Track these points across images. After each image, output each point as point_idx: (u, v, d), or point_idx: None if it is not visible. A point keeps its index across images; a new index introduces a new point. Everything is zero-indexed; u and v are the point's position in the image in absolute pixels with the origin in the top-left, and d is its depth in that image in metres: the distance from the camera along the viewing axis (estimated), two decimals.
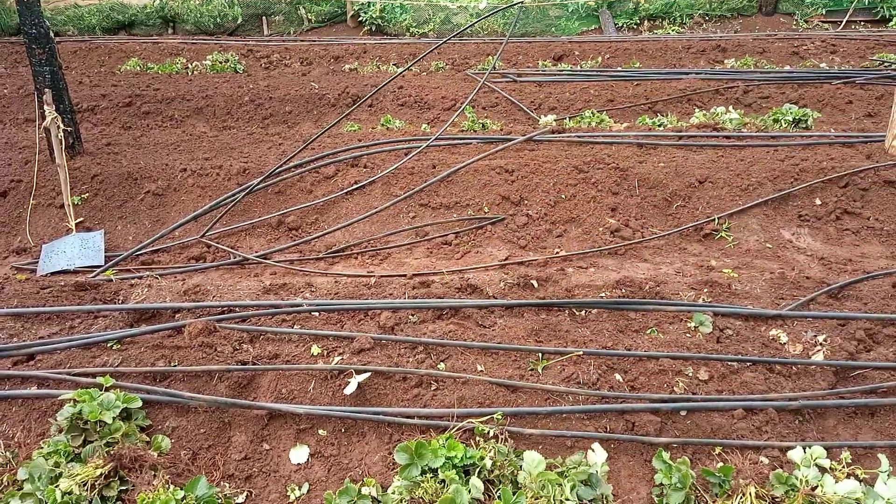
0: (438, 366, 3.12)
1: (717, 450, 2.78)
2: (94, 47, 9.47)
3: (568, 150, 5.49)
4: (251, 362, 3.15)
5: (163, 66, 8.58)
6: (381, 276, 4.18)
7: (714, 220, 4.74)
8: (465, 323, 3.39)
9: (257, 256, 4.66)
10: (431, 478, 2.51)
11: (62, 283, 3.85)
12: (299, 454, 2.89)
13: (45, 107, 4.68)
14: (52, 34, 5.07)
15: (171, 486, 2.57)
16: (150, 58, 9.08)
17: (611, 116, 6.71)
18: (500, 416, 2.80)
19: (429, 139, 5.48)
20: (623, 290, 3.69)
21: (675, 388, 2.99)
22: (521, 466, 2.66)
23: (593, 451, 2.70)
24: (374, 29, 10.67)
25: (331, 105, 7.30)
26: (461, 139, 5.66)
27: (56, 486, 2.49)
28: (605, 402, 2.95)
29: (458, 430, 2.77)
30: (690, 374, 3.05)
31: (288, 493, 2.79)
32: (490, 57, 8.80)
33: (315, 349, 3.21)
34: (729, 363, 3.09)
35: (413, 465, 2.53)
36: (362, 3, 10.62)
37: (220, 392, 3.04)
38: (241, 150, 5.79)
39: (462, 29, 6.06)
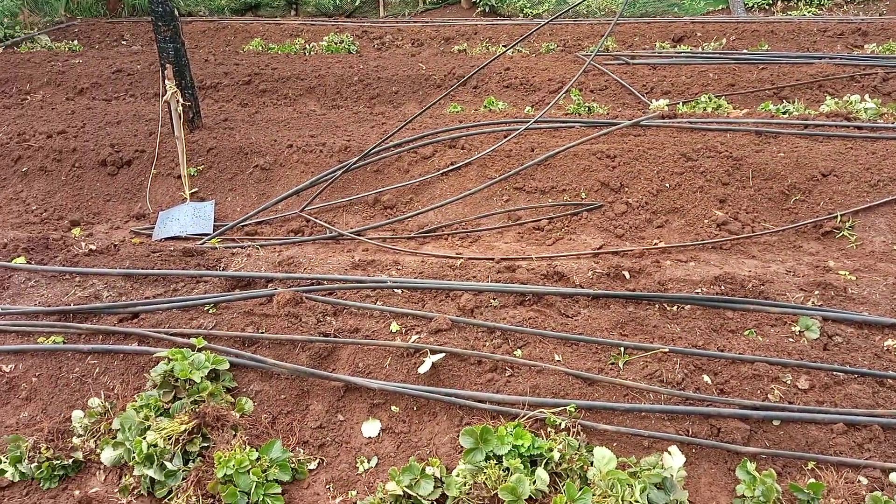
0: (515, 352, 3.05)
1: (811, 465, 2.54)
2: (223, 27, 10.01)
3: (677, 136, 5.19)
4: (333, 335, 3.22)
5: (283, 47, 8.94)
6: (469, 259, 4.15)
7: (836, 217, 4.33)
8: (546, 311, 3.29)
9: (352, 233, 4.76)
10: (496, 464, 2.46)
11: (171, 249, 4.10)
12: (371, 428, 2.93)
13: (167, 81, 4.99)
14: (176, 12, 5.39)
15: (248, 447, 2.68)
16: (271, 38, 9.48)
17: (730, 102, 6.29)
18: (573, 409, 2.70)
19: (529, 122, 5.36)
20: (722, 287, 3.44)
21: (769, 396, 2.75)
22: (591, 462, 2.55)
23: (670, 453, 2.54)
24: (487, 10, 10.58)
25: (436, 86, 7.32)
26: (563, 122, 5.50)
27: (143, 438, 2.66)
28: (689, 403, 2.77)
29: (528, 418, 2.70)
30: (788, 382, 2.80)
31: (357, 465, 2.83)
32: (606, 39, 8.47)
33: (394, 326, 3.23)
34: (834, 373, 2.81)
35: (478, 449, 2.49)
36: None
37: (302, 361, 3.13)
38: (346, 129, 5.93)
39: (569, 7, 5.84)
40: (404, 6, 11.14)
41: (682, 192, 4.65)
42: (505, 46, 8.65)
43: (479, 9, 10.61)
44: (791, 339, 3.04)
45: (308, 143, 5.54)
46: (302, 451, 2.89)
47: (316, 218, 4.97)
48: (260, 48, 9.03)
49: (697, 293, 3.41)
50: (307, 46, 8.98)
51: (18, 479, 2.77)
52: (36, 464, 2.74)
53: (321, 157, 5.42)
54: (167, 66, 5.08)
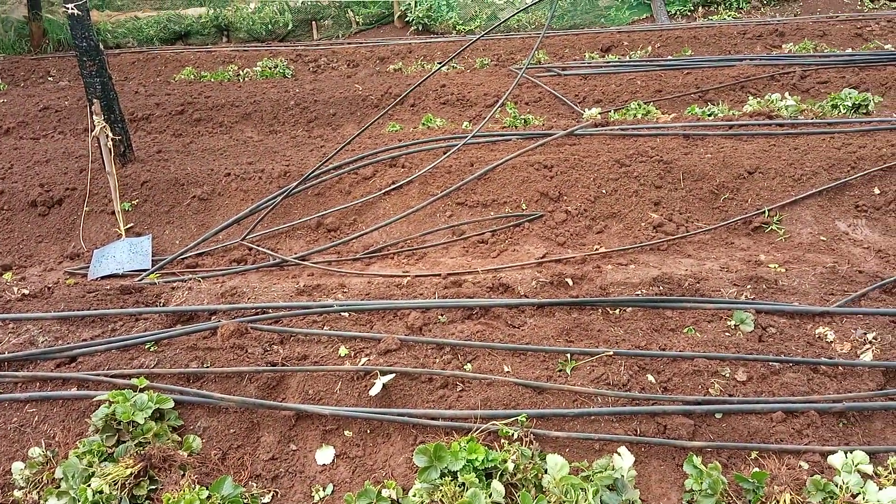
0: (465, 366, 3.07)
1: (754, 454, 2.64)
2: (152, 58, 9.82)
3: (610, 143, 5.34)
4: (280, 363, 3.19)
5: (215, 74, 8.83)
6: (416, 276, 4.17)
7: (764, 212, 4.53)
8: (494, 323, 3.34)
9: (296, 258, 4.72)
10: (451, 481, 2.47)
11: (108, 287, 3.99)
12: (325, 455, 2.90)
13: (94, 116, 4.87)
14: (101, 46, 5.27)
15: (198, 486, 2.61)
16: (203, 66, 9.35)
17: (658, 107, 6.51)
18: (524, 419, 2.73)
19: (464, 137, 5.43)
20: (661, 288, 3.56)
21: (710, 390, 2.85)
22: (545, 470, 2.59)
23: (620, 454, 2.60)
24: (420, 28, 10.68)
25: (374, 106, 7.34)
26: (500, 136, 5.59)
27: (88, 486, 2.57)
28: (636, 403, 2.84)
29: (481, 432, 2.72)
30: (727, 375, 2.90)
31: (313, 494, 2.80)
32: (537, 52, 8.67)
33: (343, 350, 3.22)
34: (770, 364, 2.93)
35: (432, 467, 2.50)
36: (409, 4, 10.64)
37: (250, 393, 3.08)
38: (284, 154, 5.89)
39: (499, 22, 5.98)
40: (337, 28, 11.15)
41: (618, 197, 4.79)
42: (439, 63, 8.76)
43: (413, 27, 10.71)
44: (727, 334, 3.16)
45: (246, 171, 5.47)
46: (255, 484, 2.84)
47: (258, 245, 4.90)
48: (192, 77, 8.90)
49: (638, 295, 3.51)
50: (241, 73, 8.90)
51: None
52: None
53: (260, 184, 5.37)
54: (94, 100, 4.96)
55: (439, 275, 4.21)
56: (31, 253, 5.03)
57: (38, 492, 2.77)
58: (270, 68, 8.89)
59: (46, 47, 11.38)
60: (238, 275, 4.60)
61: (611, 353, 3.01)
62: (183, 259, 4.80)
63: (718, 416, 2.76)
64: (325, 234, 5.05)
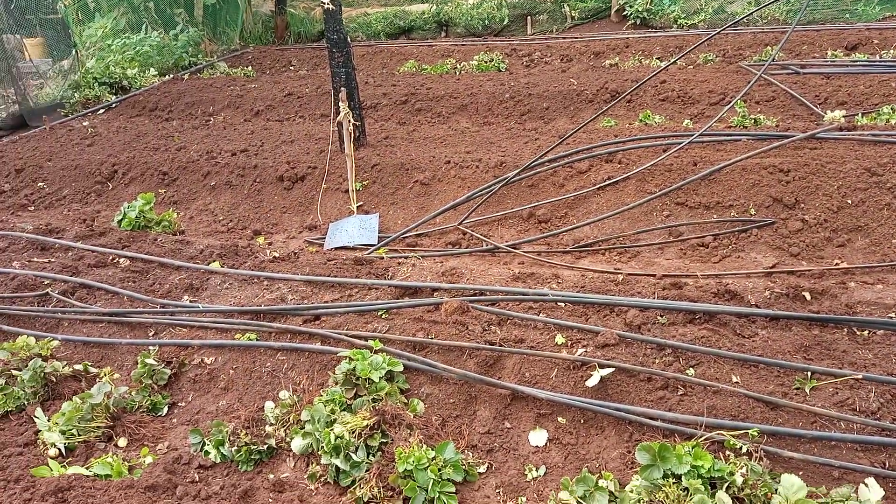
0: (687, 371, 2.97)
1: None
2: (379, 51, 10.59)
3: (859, 150, 4.82)
4: (498, 343, 3.31)
5: (435, 67, 9.30)
6: (629, 274, 4.10)
7: None
8: (720, 330, 3.18)
9: (507, 246, 4.85)
10: (674, 483, 2.41)
11: (343, 258, 4.40)
12: (538, 437, 2.97)
13: (340, 104, 5.38)
14: (348, 39, 5.79)
15: (425, 446, 2.81)
16: (424, 59, 9.90)
17: None
18: (755, 433, 2.58)
19: (691, 135, 5.20)
20: None
21: None
22: (776, 490, 2.43)
23: (867, 486, 2.36)
24: (638, 23, 10.39)
25: (588, 101, 7.29)
26: (728, 136, 5.28)
27: (331, 430, 2.87)
28: (887, 435, 2.56)
29: (705, 439, 2.62)
30: None
31: (525, 472, 2.88)
32: (768, 47, 8.04)
33: (559, 338, 3.26)
34: None
35: (655, 466, 2.46)
36: None
37: (469, 367, 3.24)
38: (500, 145, 6.06)
39: (738, 18, 5.62)
40: (552, 23, 11.20)
41: (865, 209, 4.31)
42: (659, 59, 8.45)
43: (630, 21, 10.44)
44: None
45: (464, 159, 5.72)
46: (471, 454, 2.98)
47: (472, 231, 5.11)
48: (414, 69, 9.45)
49: (891, 317, 3.14)
50: (458, 66, 9.27)
51: (220, 461, 3.08)
52: (235, 447, 3.03)
53: (477, 173, 5.58)
54: (342, 89, 5.47)
55: (654, 275, 4.11)
56: (277, 221, 5.69)
57: (286, 430, 3.14)
58: (486, 62, 9.17)
59: (288, 39, 12.75)
60: (453, 257, 4.84)
61: (859, 376, 2.74)
62: (404, 238, 5.15)
63: None
64: (536, 224, 5.13)
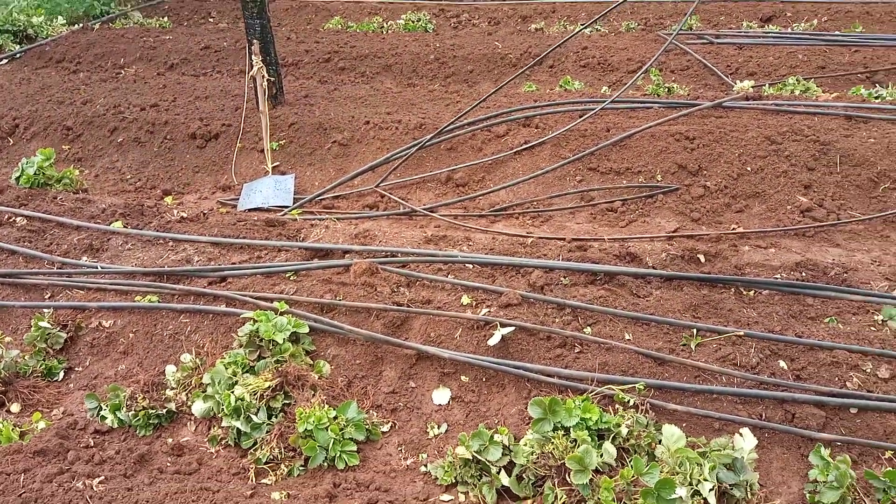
0: (584, 329, 3.08)
1: (889, 454, 2.48)
2: (304, 5, 10.23)
3: (762, 119, 5.03)
4: (406, 304, 3.33)
5: (361, 25, 9.09)
6: (540, 238, 4.17)
7: None
8: (618, 291, 3.30)
9: (424, 209, 4.85)
10: (563, 435, 2.52)
11: (255, 219, 4.31)
12: (441, 396, 3.03)
13: (253, 56, 5.20)
14: None
15: (326, 406, 2.82)
16: (350, 17, 9.64)
17: (819, 86, 6.03)
18: (642, 387, 2.71)
19: (605, 101, 5.30)
20: (803, 274, 3.37)
21: (847, 384, 2.69)
22: (659, 441, 2.57)
23: (741, 435, 2.53)
24: None
25: (512, 65, 7.29)
26: (641, 103, 5.41)
27: (231, 392, 2.85)
28: (764, 388, 2.74)
29: (596, 394, 2.74)
30: (868, 371, 2.72)
31: (428, 430, 2.94)
32: (688, 17, 8.21)
33: (465, 299, 3.32)
34: None
35: (546, 420, 2.55)
36: None
37: (377, 329, 3.25)
38: (421, 107, 6.01)
39: None
40: None
41: (764, 176, 4.52)
42: (583, 24, 8.52)
43: None
44: (873, 329, 2.95)
45: (384, 121, 5.65)
46: (375, 414, 3.02)
47: (390, 193, 5.08)
48: (339, 26, 9.21)
49: (776, 279, 3.34)
50: (385, 25, 9.09)
51: (117, 426, 3.01)
52: (133, 412, 2.96)
53: (396, 135, 5.53)
54: (254, 41, 5.28)
55: (563, 239, 4.20)
56: (189, 181, 5.50)
57: (187, 393, 3.09)
58: (413, 22, 9.02)
59: None
60: (370, 219, 4.81)
61: (741, 333, 2.91)
62: (321, 200, 5.07)
63: (853, 410, 2.61)
64: (453, 188, 5.14)
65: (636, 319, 3.08)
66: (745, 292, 3.28)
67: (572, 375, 2.85)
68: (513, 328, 3.01)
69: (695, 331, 2.98)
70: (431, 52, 7.64)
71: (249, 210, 4.92)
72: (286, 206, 4.94)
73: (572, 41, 7.44)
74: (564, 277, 3.42)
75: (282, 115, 5.81)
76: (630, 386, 2.73)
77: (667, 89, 6.08)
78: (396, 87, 7.06)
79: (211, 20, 10.17)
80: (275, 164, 5.43)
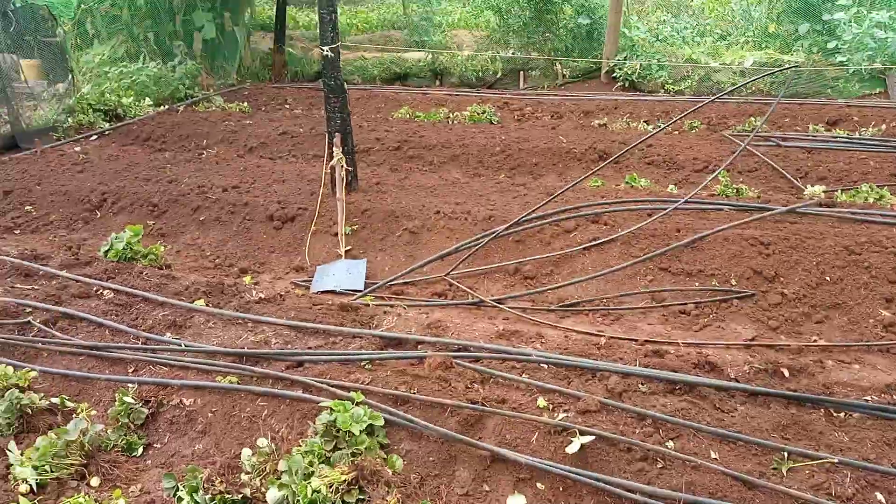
0: (666, 443, 3.00)
1: None
2: (374, 95, 10.76)
3: (837, 227, 4.98)
4: (480, 403, 3.32)
5: (429, 115, 9.47)
6: (611, 338, 4.15)
7: None
8: (700, 403, 3.23)
9: (493, 300, 4.89)
10: None
11: (329, 303, 4.42)
12: (517, 502, 2.96)
13: (334, 148, 5.46)
14: (345, 86, 5.90)
15: None
16: (418, 106, 10.07)
17: (893, 193, 5.95)
18: None
19: (676, 201, 5.34)
20: (894, 396, 3.23)
21: None
22: None
23: None
24: (627, 85, 10.69)
25: (576, 159, 7.46)
26: (712, 204, 5.43)
27: (308, 483, 2.85)
28: None
29: None
30: None
31: None
32: (752, 118, 8.32)
33: (541, 401, 3.29)
34: None
35: None
36: (618, 60, 10.71)
37: (450, 426, 3.24)
38: (489, 198, 6.16)
39: (730, 89, 5.84)
40: (544, 79, 11.49)
41: (844, 287, 4.44)
42: (646, 122, 8.69)
43: (619, 83, 10.75)
44: None
45: (454, 211, 5.80)
46: None
47: (458, 283, 5.15)
48: (408, 115, 9.61)
49: (866, 401, 3.22)
50: (451, 115, 9.45)
51: None
52: (210, 496, 2.98)
53: (466, 225, 5.66)
54: (336, 134, 5.56)
55: (636, 340, 4.16)
56: (265, 261, 5.70)
57: (261, 479, 3.10)
58: (479, 113, 9.35)
59: (285, 77, 12.90)
60: (438, 308, 4.86)
61: (835, 460, 2.79)
62: (391, 285, 5.17)
63: None
64: (521, 280, 5.19)
65: (722, 437, 2.99)
66: (834, 414, 3.16)
67: (656, 493, 2.76)
68: (593, 437, 2.95)
69: (785, 454, 2.87)
70: (497, 143, 7.88)
71: (322, 292, 5.04)
72: (358, 290, 5.05)
73: (637, 138, 7.59)
74: (642, 384, 3.37)
75: (355, 201, 6.03)
76: None
77: (735, 190, 6.09)
78: (463, 177, 7.27)
79: (287, 106, 10.74)
80: (347, 248, 5.59)
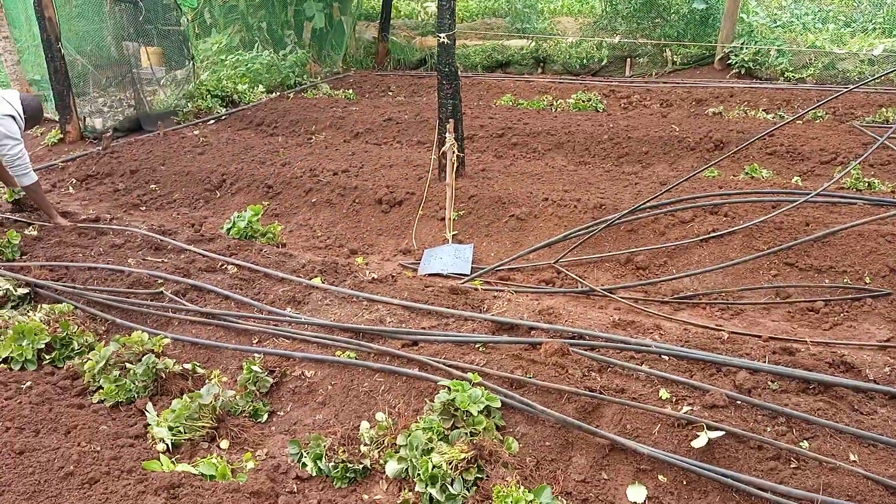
0: (801, 443, 2.85)
1: None
2: (477, 83, 10.76)
3: None
4: (598, 391, 3.26)
5: (531, 102, 9.38)
6: (733, 333, 3.98)
7: None
8: (836, 403, 3.04)
9: (603, 290, 4.80)
10: None
11: (440, 285, 4.46)
12: (637, 493, 2.90)
13: (447, 134, 5.49)
14: (458, 73, 5.93)
15: (522, 488, 2.79)
16: (521, 94, 9.99)
17: None
18: None
19: (802, 194, 5.04)
20: None
21: None
22: None
23: None
24: (742, 72, 10.18)
25: (689, 149, 7.18)
26: (843, 198, 5.09)
27: (429, 459, 2.89)
28: None
29: None
30: None
31: None
32: (882, 108, 7.73)
33: (664, 393, 3.19)
34: None
35: None
36: (734, 46, 10.21)
37: (567, 412, 3.20)
38: (598, 186, 6.03)
39: (867, 80, 5.43)
40: (652, 66, 11.11)
41: None
42: (765, 111, 8.25)
43: (734, 70, 10.24)
44: None
45: (562, 198, 5.72)
46: (565, 501, 2.94)
47: (567, 270, 5.08)
48: (510, 103, 9.55)
49: None
50: (555, 103, 9.31)
51: (315, 475, 3.14)
52: (333, 464, 3.09)
53: (575, 213, 5.57)
54: (450, 119, 5.59)
55: (759, 336, 3.98)
56: (373, 243, 5.83)
57: (380, 452, 3.18)
58: (583, 101, 9.17)
59: (388, 65, 13.13)
60: (546, 295, 4.82)
61: None
62: (497, 271, 5.17)
63: None
64: (633, 270, 5.06)
65: (861, 438, 2.81)
66: None
67: (791, 493, 2.63)
68: (721, 432, 2.84)
69: None
70: (604, 131, 7.70)
71: (429, 275, 5.11)
72: (464, 275, 5.08)
73: (756, 127, 7.21)
74: (772, 382, 3.21)
75: (461, 186, 6.06)
76: None
77: (867, 184, 5.69)
78: (569, 164, 7.16)
79: (390, 94, 10.93)
80: (454, 232, 5.63)
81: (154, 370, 3.67)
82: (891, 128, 6.89)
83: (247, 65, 10.83)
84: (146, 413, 3.47)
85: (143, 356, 3.73)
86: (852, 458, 2.76)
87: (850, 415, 2.97)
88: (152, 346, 3.86)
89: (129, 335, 3.91)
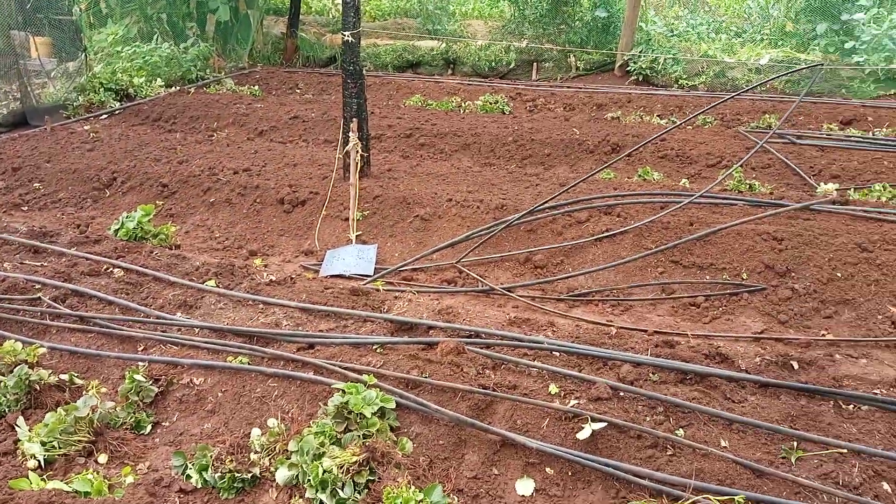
0: (677, 431, 3.00)
1: None
2: (386, 82, 10.73)
3: (850, 224, 4.96)
4: (492, 388, 3.32)
5: (440, 103, 9.44)
6: (621, 328, 4.14)
7: None
8: (711, 393, 3.22)
9: (503, 288, 4.89)
10: None
11: (340, 287, 4.42)
12: (525, 486, 2.97)
13: (350, 133, 5.44)
14: (364, 72, 5.89)
15: (413, 488, 2.80)
16: (430, 95, 10.04)
17: None
18: (742, 500, 2.61)
19: (690, 195, 5.32)
20: None
21: None
22: None
23: None
24: (640, 79, 10.64)
25: (588, 151, 7.43)
26: (725, 199, 5.40)
27: (320, 463, 2.86)
28: None
29: (691, 502, 2.64)
30: None
31: None
32: (766, 115, 8.27)
33: (553, 388, 3.29)
34: None
35: None
36: (633, 54, 10.65)
37: (462, 410, 3.24)
38: (501, 187, 6.15)
39: (750, 87, 5.80)
40: (557, 71, 11.44)
41: (854, 283, 4.42)
42: (659, 116, 8.65)
43: (633, 77, 10.69)
44: None
45: (466, 199, 5.79)
46: (457, 498, 2.97)
47: (469, 270, 5.15)
48: (420, 103, 9.58)
49: (875, 393, 3.21)
50: (463, 104, 9.42)
51: (201, 486, 3.03)
52: (220, 474, 2.99)
53: (477, 213, 5.65)
54: (352, 119, 5.54)
55: (645, 331, 4.16)
56: (274, 244, 5.70)
57: (271, 459, 3.11)
58: (491, 103, 9.32)
59: (297, 62, 12.88)
60: (448, 295, 4.86)
61: (845, 449, 2.78)
62: (401, 271, 5.17)
63: None
64: (531, 269, 5.18)
65: (731, 422, 3.00)
66: (843, 406, 3.15)
67: (666, 479, 2.76)
68: (604, 423, 2.96)
69: (795, 443, 2.87)
70: (509, 133, 7.85)
71: (332, 276, 5.05)
72: (367, 276, 5.05)
73: (649, 132, 7.55)
74: (653, 374, 3.37)
75: (367, 186, 6.02)
76: (728, 497, 2.63)
77: (748, 186, 6.07)
78: (475, 165, 7.26)
79: (298, 91, 10.73)
80: (358, 233, 5.59)
81: (27, 382, 3.45)
82: (765, 131, 7.39)
83: (144, 57, 10.36)
84: (17, 428, 3.26)
85: (15, 367, 3.50)
86: (723, 444, 2.94)
87: (723, 403, 3.16)
88: (26, 356, 3.62)
89: (1, 345, 3.65)
